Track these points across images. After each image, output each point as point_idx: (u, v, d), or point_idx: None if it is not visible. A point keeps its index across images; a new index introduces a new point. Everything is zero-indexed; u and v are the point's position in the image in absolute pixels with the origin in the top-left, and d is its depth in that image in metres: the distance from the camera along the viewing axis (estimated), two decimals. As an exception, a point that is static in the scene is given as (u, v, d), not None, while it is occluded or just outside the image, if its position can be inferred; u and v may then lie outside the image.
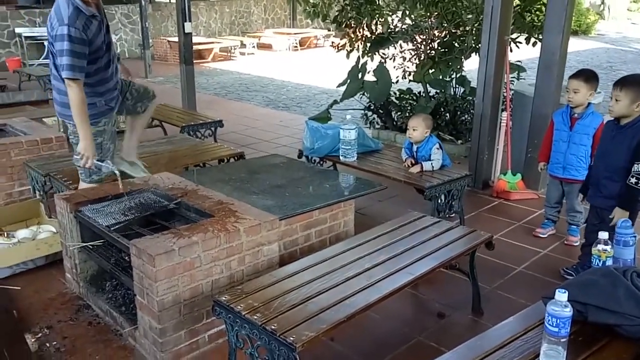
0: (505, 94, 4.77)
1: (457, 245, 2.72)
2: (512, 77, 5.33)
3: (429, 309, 3.01)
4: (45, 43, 12.38)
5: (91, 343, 2.66)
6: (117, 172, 2.98)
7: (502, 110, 4.79)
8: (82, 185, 3.36)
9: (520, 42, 5.77)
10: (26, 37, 12.25)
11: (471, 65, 6.28)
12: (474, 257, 2.87)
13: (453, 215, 3.89)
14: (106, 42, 3.13)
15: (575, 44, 14.55)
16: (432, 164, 3.82)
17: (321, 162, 4.44)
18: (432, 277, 2.76)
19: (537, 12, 5.79)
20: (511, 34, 4.92)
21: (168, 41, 13.74)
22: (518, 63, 5.96)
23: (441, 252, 2.64)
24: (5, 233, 3.62)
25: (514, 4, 4.98)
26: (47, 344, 2.64)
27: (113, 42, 3.27)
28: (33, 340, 2.67)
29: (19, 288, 3.16)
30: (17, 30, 12.22)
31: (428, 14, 5.94)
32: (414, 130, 3.87)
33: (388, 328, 2.83)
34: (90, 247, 2.93)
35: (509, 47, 4.67)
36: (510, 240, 3.84)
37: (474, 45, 5.67)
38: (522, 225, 4.10)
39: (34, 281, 3.24)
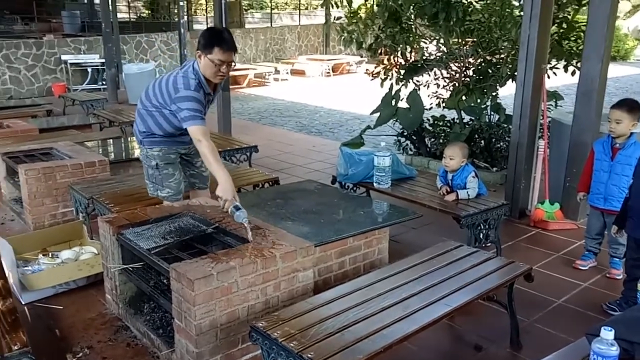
0: (542, 122, 4.72)
1: (495, 276, 2.69)
2: (548, 104, 5.27)
3: (465, 341, 2.95)
4: (89, 69, 12.98)
5: (129, 364, 2.71)
6: (246, 223, 2.87)
7: (539, 138, 4.73)
8: (166, 202, 3.44)
9: (557, 69, 5.72)
10: (71, 64, 12.77)
11: (506, 91, 6.26)
12: (513, 289, 2.82)
13: (489, 244, 3.83)
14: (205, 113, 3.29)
15: (614, 70, 14.27)
16: (468, 192, 3.79)
17: (354, 189, 4.46)
18: (469, 308, 2.71)
19: (576, 40, 5.74)
20: (549, 61, 4.88)
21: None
22: (555, 90, 5.90)
23: (479, 283, 2.60)
24: (50, 254, 3.74)
25: (552, 32, 4.95)
26: (87, 364, 2.71)
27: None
28: (74, 359, 2.74)
29: (62, 307, 3.25)
30: (63, 57, 12.76)
31: (463, 41, 5.96)
32: (450, 159, 3.85)
33: (424, 359, 2.79)
34: (131, 269, 3.01)
35: (545, 75, 4.63)
36: (549, 272, 3.75)
37: (509, 72, 5.65)
38: (561, 257, 4.01)
39: (76, 301, 3.33)
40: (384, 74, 6.55)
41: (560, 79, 5.85)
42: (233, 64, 3.16)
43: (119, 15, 15.55)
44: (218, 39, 3.06)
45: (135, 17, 21.64)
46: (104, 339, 2.93)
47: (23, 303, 3.23)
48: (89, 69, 13.07)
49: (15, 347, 2.02)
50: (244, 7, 22.55)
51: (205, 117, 3.23)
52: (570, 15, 5.80)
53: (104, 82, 12.64)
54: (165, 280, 2.78)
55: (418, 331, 2.21)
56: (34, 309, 3.24)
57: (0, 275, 2.67)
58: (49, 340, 2.93)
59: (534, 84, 4.47)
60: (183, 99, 3.09)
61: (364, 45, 6.68)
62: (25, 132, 6.42)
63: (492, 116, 6.11)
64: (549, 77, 4.84)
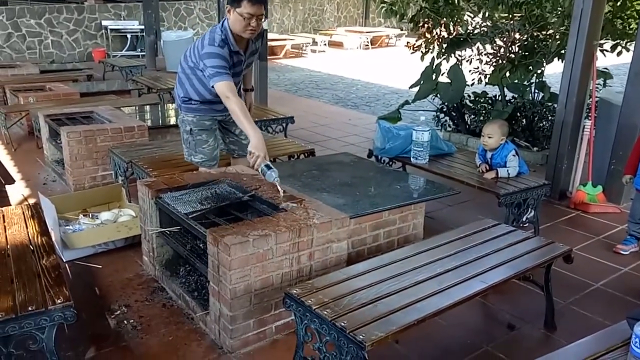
0: (590, 101, 4.54)
1: (533, 256, 2.62)
2: (597, 83, 5.06)
3: (498, 319, 2.92)
4: (128, 35, 13.12)
5: (165, 324, 2.78)
6: (277, 182, 2.95)
7: (586, 118, 4.56)
8: (201, 168, 3.48)
9: (606, 50, 5.46)
10: (111, 30, 12.93)
11: (550, 70, 6.03)
12: (550, 270, 2.75)
13: (527, 225, 3.75)
14: (237, 78, 3.26)
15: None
16: (508, 170, 3.69)
17: (391, 163, 4.41)
18: (503, 287, 2.68)
19: (629, 19, 5.45)
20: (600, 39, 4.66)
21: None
22: (604, 70, 5.65)
23: (516, 262, 2.55)
24: (90, 214, 3.85)
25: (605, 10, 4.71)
26: (125, 322, 2.79)
27: (240, 77, 3.37)
28: (112, 316, 2.83)
29: (101, 267, 3.35)
30: (104, 22, 12.92)
31: (510, 15, 5.74)
32: (489, 137, 3.75)
33: (454, 335, 2.78)
34: (168, 232, 3.06)
35: (596, 53, 4.43)
36: (588, 255, 3.65)
37: (557, 49, 5.43)
38: (601, 240, 3.89)
39: (114, 261, 3.43)
40: (425, 47, 6.39)
41: (609, 58, 5.59)
42: (263, 17, 3.08)
43: (159, -18, 15.57)
44: None
45: (175, -16, 21.66)
46: (140, 299, 3.01)
47: (64, 260, 3.34)
48: (128, 35, 13.21)
49: (59, 301, 2.09)
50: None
51: (240, 78, 3.20)
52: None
53: (142, 49, 12.77)
54: (201, 245, 2.82)
55: (452, 306, 2.18)
56: (74, 266, 3.35)
57: (44, 232, 2.75)
58: (89, 297, 3.03)
59: (583, 61, 4.28)
60: (207, 55, 3.05)
61: (405, 18, 6.51)
62: (67, 96, 6.57)
63: (536, 94, 5.91)
64: (603, 54, 4.62)
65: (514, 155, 3.72)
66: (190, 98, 3.35)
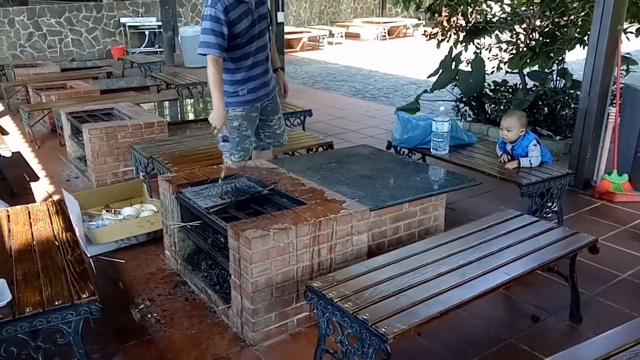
0: (614, 88, 4.43)
1: (557, 247, 2.58)
2: (621, 70, 4.93)
3: (522, 311, 2.88)
4: (146, 32, 13.22)
5: (187, 317, 2.81)
6: (226, 156, 3.17)
7: (611, 105, 4.45)
8: (227, 162, 3.48)
9: (631, 33, 5.32)
10: (130, 27, 13.04)
11: (572, 56, 5.90)
12: (575, 260, 2.70)
13: (550, 215, 3.69)
14: (253, 32, 3.21)
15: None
16: (530, 160, 3.63)
17: (410, 154, 4.38)
18: (527, 278, 2.63)
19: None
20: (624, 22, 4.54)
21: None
22: (628, 54, 5.51)
23: (540, 253, 2.51)
24: (113, 210, 3.90)
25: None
26: (149, 315, 2.82)
27: (265, 38, 3.33)
28: (136, 310, 2.87)
29: (124, 261, 3.39)
30: (122, 20, 13.04)
31: (530, 2, 5.62)
32: (508, 131, 3.69)
33: (477, 327, 2.75)
34: (189, 227, 3.09)
35: (621, 38, 4.32)
36: (614, 245, 3.58)
37: (578, 35, 5.31)
38: (627, 230, 3.81)
39: (137, 256, 3.47)
40: (442, 35, 6.30)
41: (633, 43, 5.45)
42: None
43: (176, -22, 15.63)
44: None
45: (191, -20, 21.73)
46: (163, 293, 3.05)
47: (89, 256, 3.40)
48: (146, 32, 13.30)
49: (84, 296, 2.12)
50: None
51: (261, 34, 3.22)
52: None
53: (160, 45, 12.86)
54: (222, 239, 2.84)
55: (475, 298, 2.16)
56: (98, 261, 3.40)
57: (68, 228, 2.80)
58: (113, 291, 3.08)
59: (607, 47, 4.17)
60: (204, 18, 3.08)
61: (422, 7, 6.44)
62: (87, 93, 6.66)
63: (557, 82, 5.80)
64: (621, 41, 4.49)
65: (535, 145, 3.66)
66: (233, 87, 3.29)
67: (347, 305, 2.03)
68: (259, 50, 3.30)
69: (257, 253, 2.40)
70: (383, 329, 1.90)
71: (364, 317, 1.96)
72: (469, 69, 5.85)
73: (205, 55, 3.11)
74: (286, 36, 11.98)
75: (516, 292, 3.00)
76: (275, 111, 3.57)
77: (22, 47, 11.93)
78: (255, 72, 3.33)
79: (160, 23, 12.47)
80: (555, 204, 3.65)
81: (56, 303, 2.08)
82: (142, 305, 2.92)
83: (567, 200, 4.00)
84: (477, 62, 5.74)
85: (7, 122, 7.02)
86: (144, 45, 13.29)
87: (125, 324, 2.76)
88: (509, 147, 3.77)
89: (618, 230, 3.80)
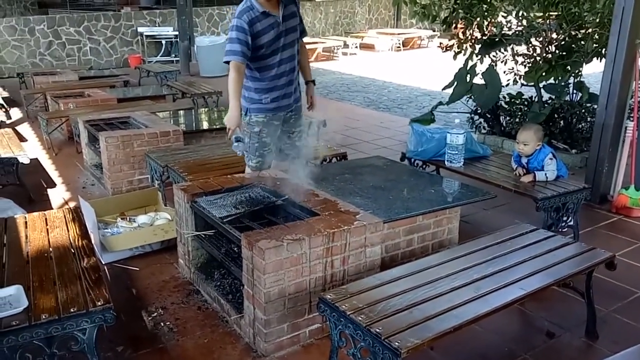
0: (632, 102, 4.39)
1: (573, 262, 2.55)
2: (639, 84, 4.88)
3: (537, 327, 2.84)
4: (163, 41, 13.38)
5: (200, 327, 2.82)
6: (239, 154, 3.36)
7: (628, 119, 4.41)
8: (247, 170, 3.61)
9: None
10: (147, 36, 13.22)
11: (588, 69, 5.86)
12: (592, 276, 2.67)
13: (566, 229, 3.64)
14: (278, 44, 3.28)
15: None
16: (546, 174, 3.60)
17: (424, 166, 4.36)
18: (542, 294, 2.60)
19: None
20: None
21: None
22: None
23: (556, 268, 2.48)
24: (128, 218, 3.93)
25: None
26: (162, 324, 2.84)
27: (292, 50, 3.40)
28: (149, 318, 2.88)
29: (138, 269, 3.42)
30: (140, 29, 13.22)
31: (546, 15, 5.60)
32: (524, 145, 3.67)
33: (491, 342, 2.72)
34: (203, 236, 3.10)
35: (638, 52, 4.28)
36: (631, 261, 3.53)
37: (595, 49, 5.27)
38: (645, 246, 3.76)
39: (150, 264, 3.49)
40: (458, 47, 6.30)
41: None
42: None
43: (193, -12, 15.83)
44: None
45: (208, -10, 22.00)
46: (176, 301, 3.06)
47: (103, 263, 3.42)
48: (163, 41, 13.47)
49: (99, 303, 2.14)
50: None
51: (289, 46, 3.31)
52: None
53: (176, 54, 13.01)
54: (236, 248, 2.84)
55: (490, 313, 2.14)
56: (112, 269, 3.43)
57: (84, 236, 2.82)
58: (126, 298, 3.10)
59: (625, 60, 4.14)
60: (230, 33, 3.22)
61: (437, 19, 6.44)
62: (105, 102, 6.75)
63: (574, 95, 5.75)
64: (639, 55, 4.46)
65: (550, 159, 3.63)
66: (257, 95, 3.38)
67: (360, 318, 2.02)
68: (284, 62, 3.36)
69: (270, 263, 2.41)
70: (396, 343, 1.88)
71: (377, 330, 1.95)
72: (483, 81, 5.84)
73: (228, 62, 3.23)
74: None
75: (531, 307, 2.97)
76: (297, 124, 3.62)
77: (42, 56, 12.14)
78: (279, 82, 3.39)
79: (176, 33, 12.62)
80: (571, 219, 3.61)
81: (71, 310, 2.09)
82: (155, 314, 2.93)
83: (583, 214, 3.96)
84: (491, 74, 5.72)
85: (25, 129, 7.14)
86: (160, 55, 13.46)
87: (138, 332, 2.78)
88: (524, 160, 3.74)
89: (636, 246, 3.75)
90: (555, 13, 5.56)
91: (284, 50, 3.32)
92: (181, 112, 6.41)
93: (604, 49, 4.95)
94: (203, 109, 7.07)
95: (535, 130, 3.70)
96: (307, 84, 3.67)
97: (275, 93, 3.39)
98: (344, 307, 2.10)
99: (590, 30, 5.36)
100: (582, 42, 5.43)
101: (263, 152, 3.50)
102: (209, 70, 11.48)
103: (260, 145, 3.48)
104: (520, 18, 5.74)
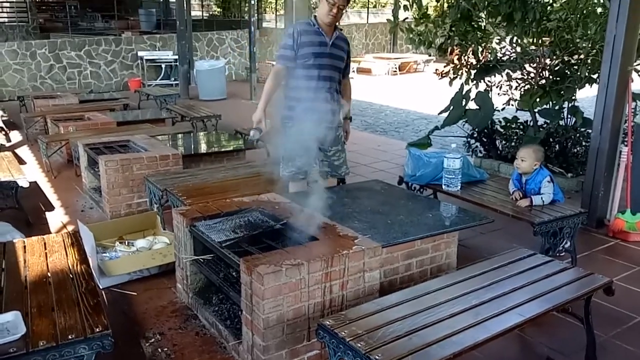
0: (626, 127, 4.45)
1: (572, 288, 2.56)
2: (632, 109, 4.95)
3: (536, 353, 2.84)
4: (163, 65, 13.52)
5: (198, 353, 2.80)
6: (255, 141, 3.63)
7: (622, 144, 4.46)
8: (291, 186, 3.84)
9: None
10: (147, 60, 13.35)
11: (582, 94, 5.94)
12: (590, 302, 2.67)
13: (563, 254, 3.66)
14: (319, 61, 3.56)
15: None
16: (542, 198, 3.64)
17: (421, 190, 4.39)
18: (541, 319, 2.60)
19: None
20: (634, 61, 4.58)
21: (273, 65, 14.35)
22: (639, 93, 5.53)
23: (554, 294, 2.49)
24: (126, 242, 3.93)
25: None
26: (159, 350, 2.82)
27: (332, 73, 3.64)
28: (147, 344, 2.87)
29: (136, 294, 3.41)
30: (140, 53, 13.37)
31: (539, 42, 5.71)
32: (522, 160, 3.73)
33: (491, 369, 2.71)
34: (201, 260, 3.10)
35: (631, 78, 4.36)
36: (629, 286, 3.54)
37: (587, 74, 5.36)
38: (642, 270, 3.77)
39: (148, 288, 3.48)
40: (454, 73, 6.40)
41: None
42: (344, 10, 3.51)
43: (192, 13, 16.07)
44: None
45: (207, 15, 22.33)
46: (174, 327, 3.05)
47: (101, 287, 3.41)
48: (163, 65, 13.61)
49: (97, 330, 2.13)
50: (312, 5, 22.68)
51: (330, 69, 3.59)
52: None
53: (176, 78, 13.13)
54: (234, 273, 2.85)
55: (489, 340, 2.14)
56: (110, 293, 3.42)
57: (83, 260, 2.82)
58: (124, 324, 3.08)
59: (618, 87, 4.21)
60: (283, 37, 3.67)
61: (433, 45, 6.55)
62: (104, 125, 6.78)
63: (568, 119, 5.83)
64: (632, 80, 4.54)
65: (548, 182, 3.67)
66: (292, 102, 3.63)
67: (359, 345, 2.02)
68: (322, 79, 3.58)
69: (269, 289, 2.41)
70: (396, 370, 1.88)
71: (377, 357, 1.94)
72: (476, 105, 5.93)
73: (274, 63, 3.70)
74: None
75: (530, 333, 2.96)
76: (333, 143, 3.78)
77: (43, 79, 12.23)
78: (314, 97, 3.57)
79: (176, 57, 12.76)
80: (568, 243, 3.62)
81: (69, 337, 2.09)
82: (153, 339, 2.91)
83: (580, 239, 3.97)
84: (483, 98, 5.83)
85: (25, 152, 7.17)
86: (160, 78, 13.57)
87: (135, 358, 2.76)
88: (523, 179, 3.79)
89: (634, 271, 3.76)
90: (549, 40, 5.67)
91: (323, 69, 3.58)
92: (180, 135, 6.44)
93: (596, 75, 5.03)
94: (202, 133, 7.12)
95: (535, 149, 3.77)
96: (344, 120, 3.85)
97: (308, 104, 3.57)
98: (343, 333, 2.10)
99: (583, 56, 5.46)
100: (576, 68, 5.53)
101: (295, 162, 3.67)
102: (208, 93, 11.57)
103: (290, 154, 3.65)
104: (514, 44, 5.85)
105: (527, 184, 3.77)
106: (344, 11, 3.53)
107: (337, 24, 3.65)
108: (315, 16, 3.61)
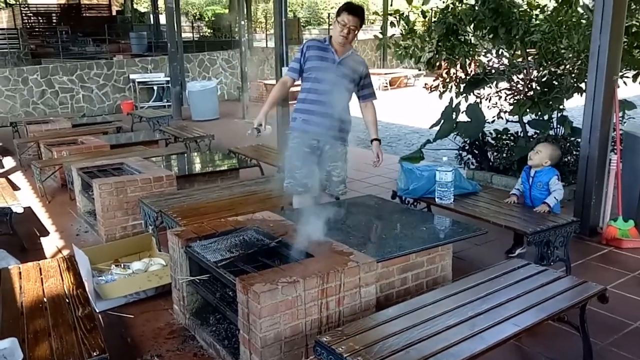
0: (614, 135, 4.51)
1: (566, 296, 2.58)
2: (619, 117, 5.02)
3: (534, 362, 2.85)
4: (155, 87, 13.59)
5: (196, 374, 2.79)
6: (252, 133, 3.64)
7: (612, 152, 4.52)
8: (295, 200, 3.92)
9: (627, 77, 5.46)
10: (139, 82, 13.42)
11: (570, 103, 6.03)
12: (585, 310, 2.69)
13: (557, 262, 3.68)
14: (323, 76, 3.66)
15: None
16: (555, 196, 3.80)
17: (415, 204, 4.42)
18: (537, 328, 2.61)
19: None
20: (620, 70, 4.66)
21: (264, 84, 14.45)
22: (624, 99, 5.62)
23: (549, 303, 2.51)
24: (122, 264, 3.93)
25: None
26: (157, 372, 2.81)
27: (336, 87, 3.68)
28: (145, 367, 2.85)
29: (132, 316, 3.39)
30: (132, 76, 13.44)
31: (525, 54, 5.81)
32: (537, 153, 3.93)
33: (489, 380, 2.71)
34: (198, 281, 3.11)
35: (617, 87, 4.44)
36: (623, 293, 3.56)
37: (574, 84, 5.44)
38: (636, 277, 3.79)
39: (145, 311, 3.47)
40: (443, 86, 6.48)
41: (631, 89, 5.58)
42: (356, 31, 3.61)
43: (183, 35, 16.21)
44: (347, 5, 3.58)
45: (198, 36, 22.50)
46: (172, 348, 3.04)
47: (97, 311, 3.40)
48: (155, 87, 13.68)
49: (95, 354, 2.13)
50: (301, 24, 22.97)
51: (334, 84, 3.63)
52: (640, 22, 5.52)
53: (168, 99, 13.20)
54: (231, 293, 2.85)
55: (486, 351, 2.15)
56: (107, 316, 3.40)
57: (79, 285, 2.83)
58: (121, 347, 3.07)
59: (605, 96, 4.28)
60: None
61: (422, 60, 6.64)
62: (97, 148, 6.80)
63: (557, 129, 5.90)
64: (618, 86, 4.61)
65: (558, 180, 3.83)
66: (296, 113, 3.80)
67: (357, 360, 2.03)
68: (325, 93, 3.66)
69: (265, 307, 2.42)
70: (394, 384, 1.89)
71: (375, 372, 1.95)
72: (467, 118, 6.01)
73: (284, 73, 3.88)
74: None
75: (527, 342, 2.97)
76: (333, 158, 3.82)
77: (35, 104, 12.26)
78: (316, 109, 3.69)
79: (168, 78, 12.83)
80: (561, 251, 3.65)
81: (67, 362, 2.09)
82: (151, 362, 2.90)
83: (574, 247, 4.01)
84: (474, 110, 5.91)
85: (18, 178, 7.16)
86: (152, 100, 13.63)
87: (133, 382, 2.74)
88: (532, 172, 3.93)
89: (627, 277, 3.78)
90: (534, 51, 5.76)
91: (327, 84, 3.65)
92: (174, 156, 6.47)
93: (583, 84, 5.11)
94: (196, 153, 7.14)
95: (553, 147, 3.97)
96: (372, 142, 3.98)
97: (308, 116, 3.70)
98: (340, 349, 2.11)
99: (569, 66, 5.55)
100: (562, 78, 5.61)
101: (294, 174, 3.75)
102: (201, 114, 11.63)
103: (292, 167, 3.75)
104: (501, 57, 5.94)
105: (535, 176, 3.91)
106: (356, 32, 3.62)
107: (351, 44, 3.72)
108: (330, 36, 3.73)
